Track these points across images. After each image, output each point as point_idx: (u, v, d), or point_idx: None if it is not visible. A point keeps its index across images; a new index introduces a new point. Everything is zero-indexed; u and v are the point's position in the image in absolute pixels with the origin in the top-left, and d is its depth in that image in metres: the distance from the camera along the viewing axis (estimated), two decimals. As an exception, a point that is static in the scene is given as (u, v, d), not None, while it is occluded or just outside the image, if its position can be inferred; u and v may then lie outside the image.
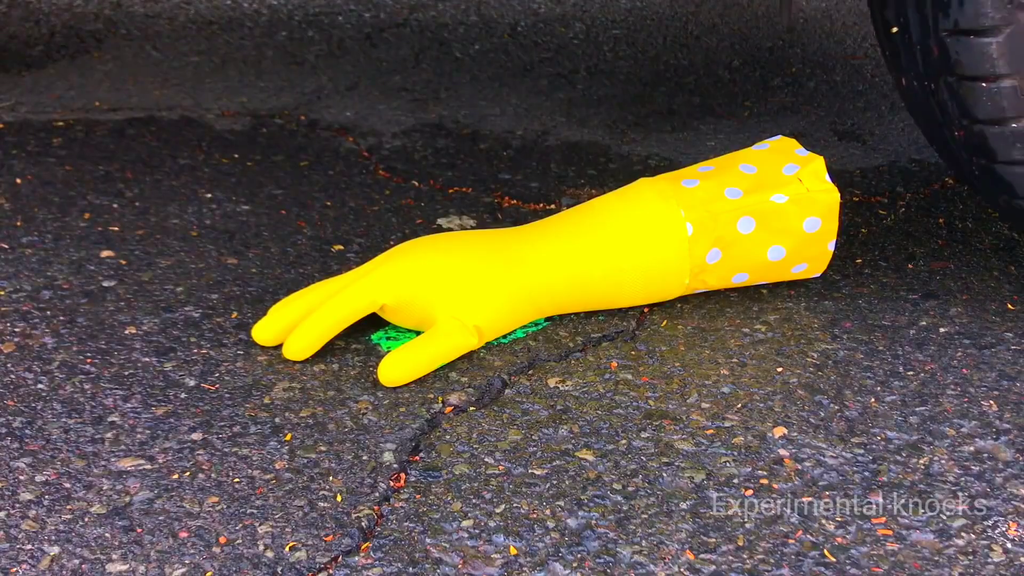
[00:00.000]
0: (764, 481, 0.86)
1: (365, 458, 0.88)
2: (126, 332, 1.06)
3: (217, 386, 0.98)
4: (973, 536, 0.80)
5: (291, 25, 2.05)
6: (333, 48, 1.95)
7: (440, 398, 0.96)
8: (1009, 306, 1.10)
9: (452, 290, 1.01)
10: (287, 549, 0.78)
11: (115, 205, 1.32)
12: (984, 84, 0.90)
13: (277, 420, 0.93)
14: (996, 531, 0.80)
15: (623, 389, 0.97)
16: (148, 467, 0.87)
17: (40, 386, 0.97)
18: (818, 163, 1.08)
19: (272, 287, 1.14)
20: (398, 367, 0.97)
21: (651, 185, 1.08)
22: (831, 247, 1.09)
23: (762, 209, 1.05)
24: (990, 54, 0.89)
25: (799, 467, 0.87)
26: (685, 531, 0.80)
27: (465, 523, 0.81)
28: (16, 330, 1.05)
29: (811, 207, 1.06)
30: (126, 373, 0.99)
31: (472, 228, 1.28)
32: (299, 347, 1.00)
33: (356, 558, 0.78)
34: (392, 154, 1.51)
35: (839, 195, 1.07)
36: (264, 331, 1.02)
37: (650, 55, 1.95)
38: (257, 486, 0.85)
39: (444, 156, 1.50)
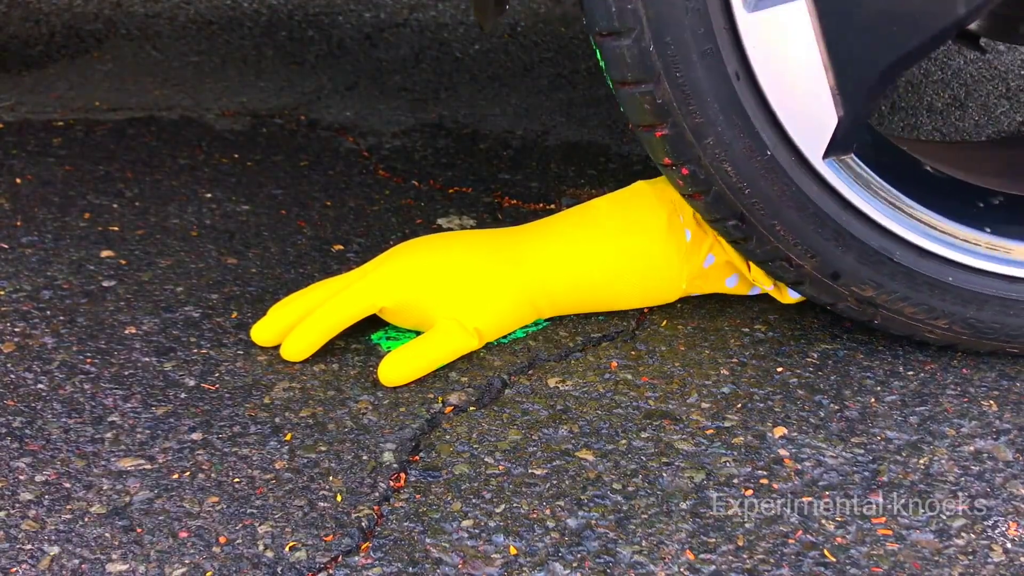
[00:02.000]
0: (764, 481, 0.86)
1: (365, 458, 0.88)
2: (126, 332, 1.06)
3: (217, 386, 0.98)
4: (973, 536, 0.80)
5: (291, 25, 2.05)
6: (333, 48, 1.95)
7: (440, 398, 0.96)
8: (1009, 306, 1.10)
9: (451, 292, 1.01)
10: (287, 549, 0.78)
11: (115, 205, 1.32)
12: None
13: (277, 420, 0.93)
14: (996, 531, 0.80)
15: (623, 389, 0.97)
16: (148, 467, 0.87)
17: (40, 386, 0.97)
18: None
19: (272, 287, 1.14)
20: (398, 367, 0.97)
21: (651, 188, 1.07)
22: None
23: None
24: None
25: (799, 467, 0.87)
26: (685, 531, 0.80)
27: (465, 523, 0.81)
28: (16, 330, 1.05)
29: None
30: (126, 373, 0.99)
31: (472, 228, 1.28)
32: (297, 348, 1.00)
33: (356, 558, 0.78)
34: (392, 154, 1.51)
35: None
36: (263, 331, 1.02)
37: (650, 55, 1.94)
38: (257, 486, 0.85)
39: (444, 156, 1.50)
